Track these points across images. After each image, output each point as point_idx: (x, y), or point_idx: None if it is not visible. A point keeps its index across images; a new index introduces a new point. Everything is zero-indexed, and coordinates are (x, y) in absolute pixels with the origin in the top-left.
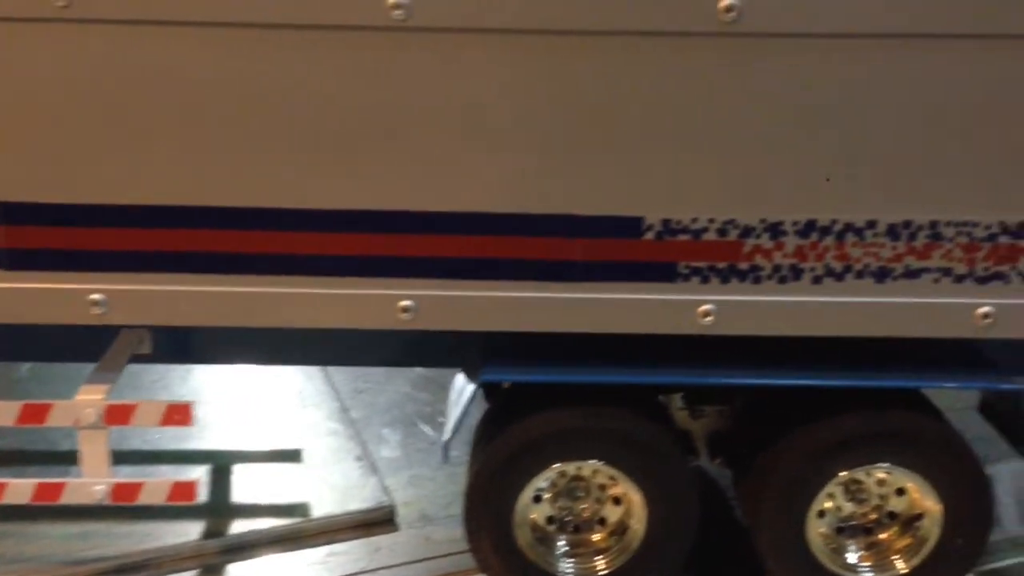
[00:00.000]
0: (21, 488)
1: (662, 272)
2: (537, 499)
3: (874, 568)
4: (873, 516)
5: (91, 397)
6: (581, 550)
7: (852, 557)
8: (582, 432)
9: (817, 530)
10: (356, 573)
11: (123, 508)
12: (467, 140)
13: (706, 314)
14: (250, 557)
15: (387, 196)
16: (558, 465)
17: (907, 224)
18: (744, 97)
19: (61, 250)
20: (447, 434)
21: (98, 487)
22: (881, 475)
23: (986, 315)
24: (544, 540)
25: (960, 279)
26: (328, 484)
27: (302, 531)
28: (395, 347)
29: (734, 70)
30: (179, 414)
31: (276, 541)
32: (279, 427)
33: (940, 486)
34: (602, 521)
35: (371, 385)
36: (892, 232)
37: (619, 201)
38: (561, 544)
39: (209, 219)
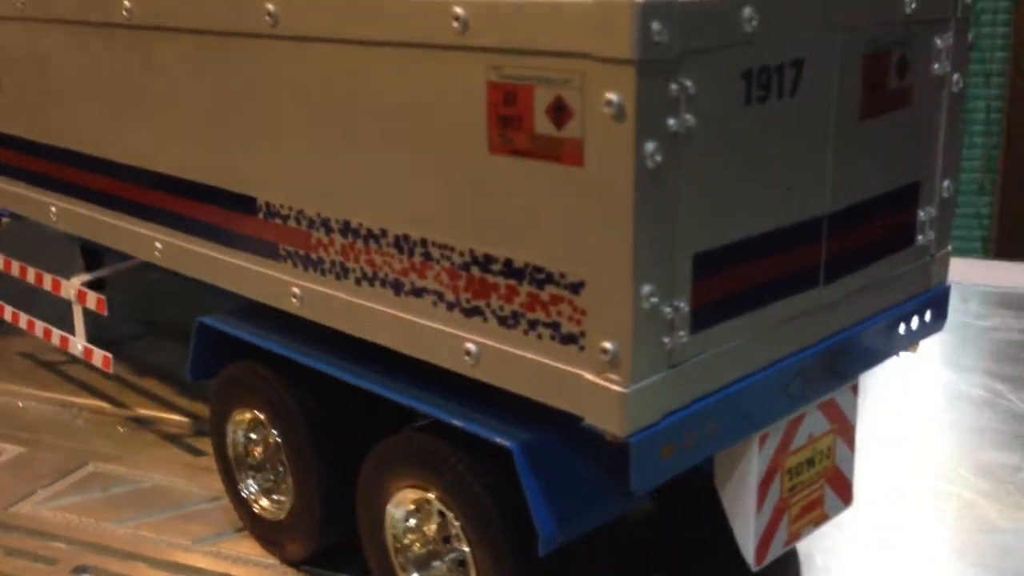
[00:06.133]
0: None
1: (269, 250)
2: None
3: None
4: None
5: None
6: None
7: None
8: (242, 383)
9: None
10: None
11: None
12: (162, 123)
13: (294, 295)
14: None
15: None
16: (239, 409)
17: (406, 238)
18: (280, 96)
19: None
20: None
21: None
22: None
23: (468, 352)
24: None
25: (451, 307)
26: None
27: None
28: None
29: (275, 69)
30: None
31: None
32: None
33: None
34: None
35: None
36: (398, 244)
37: (240, 180)
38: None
39: None
